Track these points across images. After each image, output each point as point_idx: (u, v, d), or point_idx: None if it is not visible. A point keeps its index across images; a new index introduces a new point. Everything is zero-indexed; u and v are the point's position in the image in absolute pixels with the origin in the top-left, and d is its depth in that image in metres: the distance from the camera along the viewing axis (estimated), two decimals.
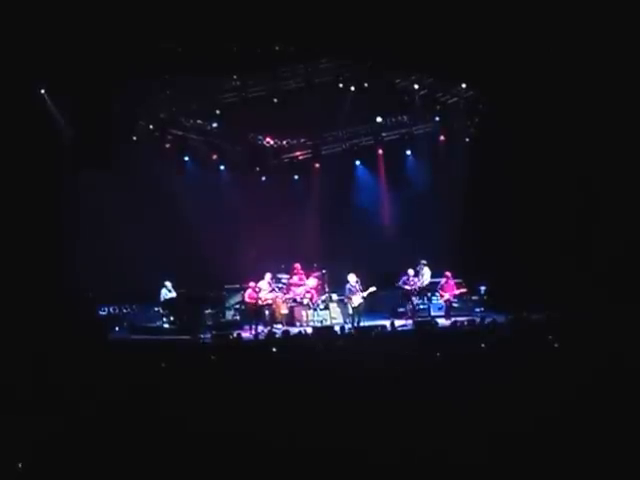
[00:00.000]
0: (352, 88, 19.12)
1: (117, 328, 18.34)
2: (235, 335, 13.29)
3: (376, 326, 14.57)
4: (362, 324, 17.26)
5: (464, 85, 19.62)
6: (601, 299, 14.16)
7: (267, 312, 18.59)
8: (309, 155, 23.63)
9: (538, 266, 17.08)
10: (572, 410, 6.05)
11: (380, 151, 22.71)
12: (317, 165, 23.54)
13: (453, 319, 16.85)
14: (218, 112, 19.89)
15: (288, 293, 19.65)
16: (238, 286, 19.70)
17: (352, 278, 18.30)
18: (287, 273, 20.30)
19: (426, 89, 19.93)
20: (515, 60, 16.35)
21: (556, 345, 9.38)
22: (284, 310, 19.20)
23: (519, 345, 9.64)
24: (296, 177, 23.85)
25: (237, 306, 19.80)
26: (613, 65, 15.53)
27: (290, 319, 19.13)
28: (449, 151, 21.53)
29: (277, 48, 16.73)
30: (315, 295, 19.41)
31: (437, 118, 21.37)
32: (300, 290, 19.60)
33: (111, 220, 18.44)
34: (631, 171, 16.04)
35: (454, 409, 6.26)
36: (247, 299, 18.42)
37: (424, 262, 19.43)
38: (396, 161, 22.52)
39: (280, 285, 19.75)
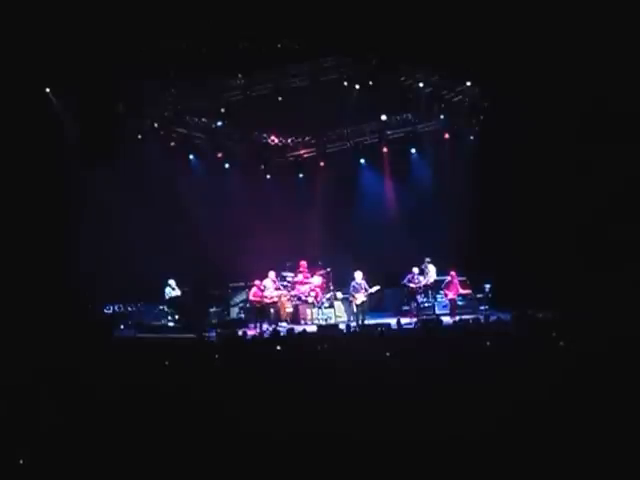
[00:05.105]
0: (357, 86, 19.11)
1: (122, 326, 18.38)
2: (240, 333, 13.29)
3: (380, 324, 14.56)
4: (366, 322, 17.28)
5: (469, 83, 19.60)
6: (604, 297, 14.12)
7: (272, 310, 18.63)
8: (314, 153, 23.65)
9: (543, 264, 17.06)
10: (574, 408, 6.04)
11: (385, 149, 22.69)
12: (322, 163, 23.55)
13: (458, 317, 16.85)
14: (223, 110, 19.89)
15: (293, 291, 19.68)
16: (243, 284, 19.74)
17: (358, 275, 18.35)
18: (292, 271, 20.33)
19: (431, 87, 19.91)
20: (520, 59, 16.32)
21: (561, 343, 9.36)
22: (289, 308, 19.26)
23: (524, 343, 9.62)
24: (301, 175, 23.86)
25: (242, 304, 19.83)
26: (616, 63, 15.49)
27: (295, 317, 19.17)
28: (454, 149, 21.51)
29: (282, 46, 16.74)
30: (320, 293, 19.44)
31: (442, 116, 21.35)
32: (305, 288, 19.63)
33: (116, 219, 18.47)
34: (634, 169, 16.00)
35: (458, 407, 6.25)
36: (252, 297, 18.46)
37: (428, 260, 19.47)
38: (401, 159, 22.51)
39: (285, 283, 19.78)
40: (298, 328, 14.96)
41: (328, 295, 19.53)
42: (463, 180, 20.44)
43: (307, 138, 23.37)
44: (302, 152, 23.68)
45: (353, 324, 16.73)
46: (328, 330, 14.96)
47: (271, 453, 5.46)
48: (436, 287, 19.49)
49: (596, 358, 7.77)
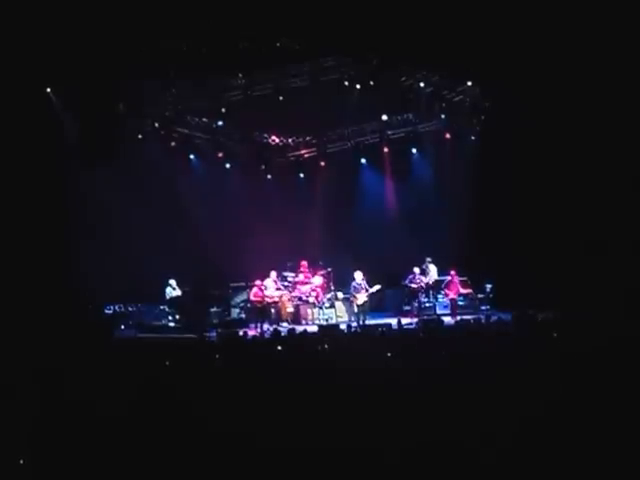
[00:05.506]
0: (357, 86, 19.12)
1: (123, 326, 18.37)
2: (240, 333, 13.28)
3: (381, 324, 14.55)
4: (367, 322, 17.26)
5: (470, 83, 19.59)
6: (604, 297, 14.12)
7: (273, 310, 18.62)
8: (314, 153, 23.62)
9: (545, 264, 17.04)
10: (575, 408, 6.03)
11: (385, 149, 22.67)
12: (322, 163, 23.52)
13: (459, 317, 16.84)
14: (223, 110, 19.88)
15: (294, 291, 19.67)
16: (244, 284, 19.73)
17: (358, 276, 18.34)
18: (293, 270, 20.32)
19: (432, 87, 19.91)
20: (521, 59, 16.32)
21: (562, 343, 9.36)
22: (290, 308, 19.24)
23: (525, 343, 9.61)
24: (301, 175, 23.83)
25: (243, 304, 19.82)
26: (617, 62, 15.48)
27: (296, 317, 19.16)
28: (454, 149, 21.50)
29: (282, 46, 16.73)
30: (321, 293, 19.45)
31: (443, 116, 21.33)
32: (306, 288, 19.63)
33: (116, 219, 18.46)
34: (635, 168, 15.98)
35: (459, 407, 6.25)
36: (253, 297, 18.45)
37: (429, 260, 19.48)
38: (402, 159, 22.49)
39: (286, 283, 19.78)
40: (299, 328, 14.94)
41: (329, 295, 19.54)
42: (464, 180, 20.43)
43: (308, 138, 23.34)
44: (303, 152, 23.65)
45: (354, 324, 16.73)
46: (329, 330, 14.92)
47: (271, 453, 5.45)
48: (437, 287, 19.47)
49: (596, 358, 7.76)
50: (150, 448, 5.68)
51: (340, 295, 19.53)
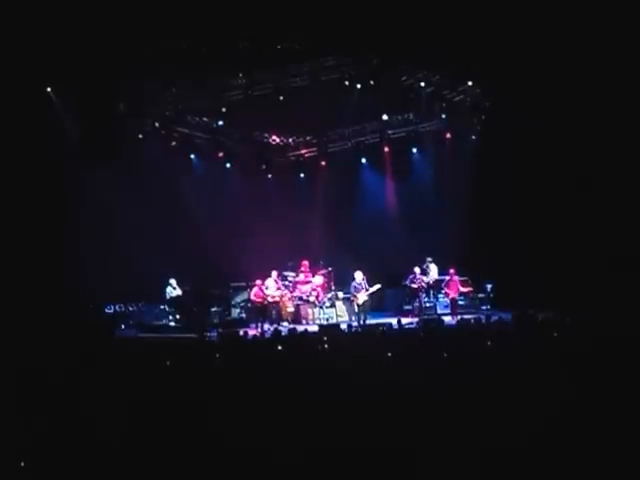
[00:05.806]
0: (358, 86, 19.12)
1: (123, 326, 18.37)
2: (241, 333, 13.29)
3: (382, 324, 14.55)
4: (368, 322, 17.26)
5: (470, 83, 19.59)
6: (604, 297, 14.12)
7: (273, 310, 18.62)
8: (315, 153, 23.62)
9: (545, 264, 17.04)
10: (577, 409, 6.03)
11: (386, 149, 22.67)
12: (323, 163, 23.53)
13: (459, 317, 16.83)
14: (224, 110, 19.87)
15: (294, 291, 19.68)
16: (244, 284, 19.73)
17: (358, 276, 18.34)
18: (294, 270, 20.33)
19: (432, 87, 19.91)
20: (521, 58, 16.31)
21: (562, 343, 9.36)
22: (290, 308, 19.25)
23: (525, 343, 9.62)
24: (302, 175, 23.84)
25: (243, 304, 19.83)
26: (617, 62, 15.48)
27: (296, 317, 19.17)
28: (455, 149, 21.50)
29: (282, 46, 16.73)
30: (321, 293, 19.45)
31: (443, 116, 21.33)
32: (306, 288, 19.63)
33: (116, 219, 18.47)
34: (635, 168, 15.98)
35: (460, 407, 6.25)
36: (253, 297, 18.45)
37: (430, 259, 19.48)
38: (402, 159, 22.49)
39: (286, 283, 19.78)
40: (299, 328, 14.94)
41: (329, 295, 19.54)
42: (464, 180, 20.43)
43: (308, 138, 23.35)
44: (303, 152, 23.66)
45: (354, 324, 16.74)
46: (329, 330, 14.91)
47: (271, 453, 5.45)
48: (437, 286, 19.48)
49: (596, 358, 7.76)
50: (150, 448, 5.68)
51: (340, 295, 19.54)
